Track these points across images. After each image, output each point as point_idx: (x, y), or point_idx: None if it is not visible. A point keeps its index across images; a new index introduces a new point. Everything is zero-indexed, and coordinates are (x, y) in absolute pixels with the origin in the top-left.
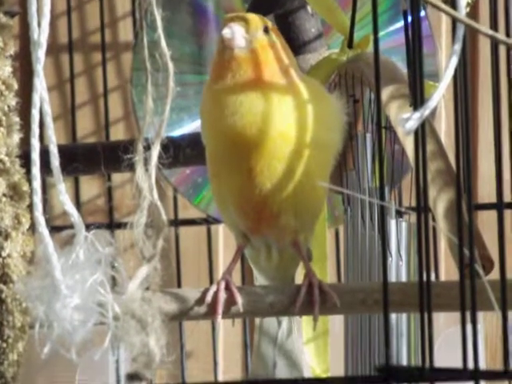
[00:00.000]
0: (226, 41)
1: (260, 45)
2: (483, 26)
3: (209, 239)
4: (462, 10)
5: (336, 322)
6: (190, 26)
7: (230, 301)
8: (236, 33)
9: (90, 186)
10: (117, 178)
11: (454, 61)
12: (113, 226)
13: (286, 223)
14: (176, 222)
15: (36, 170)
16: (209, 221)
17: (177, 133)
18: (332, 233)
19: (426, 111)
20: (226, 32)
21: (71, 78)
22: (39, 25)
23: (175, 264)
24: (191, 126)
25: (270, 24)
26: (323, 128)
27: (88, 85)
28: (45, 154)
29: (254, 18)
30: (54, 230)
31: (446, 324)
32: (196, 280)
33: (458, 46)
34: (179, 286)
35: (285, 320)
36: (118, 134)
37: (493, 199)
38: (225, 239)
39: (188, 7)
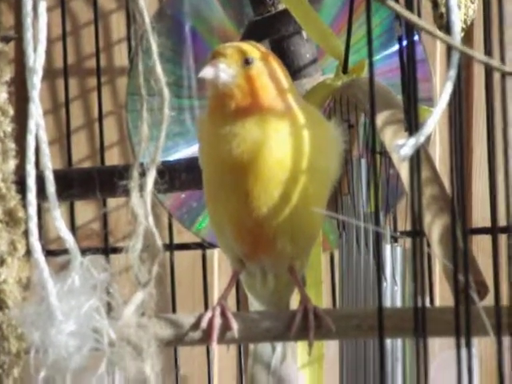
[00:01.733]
0: (209, 80)
1: (246, 76)
2: (477, 50)
3: (204, 264)
4: (457, 37)
5: (331, 347)
6: (169, 45)
7: (225, 326)
8: (218, 71)
9: (85, 210)
10: (112, 202)
11: (449, 87)
12: (108, 250)
13: (282, 248)
14: (171, 247)
15: (32, 196)
16: (204, 245)
17: (173, 157)
18: (327, 257)
19: (420, 138)
20: (206, 72)
21: (66, 103)
22: (35, 51)
23: (170, 288)
24: (187, 150)
25: (254, 53)
26: (320, 154)
27: (83, 109)
28: (40, 179)
29: (233, 52)
30: (50, 254)
31: (440, 348)
32: (191, 304)
33: (453, 72)
34: (174, 310)
35: (279, 345)
36: (113, 158)
37: (487, 222)
38: (220, 264)
39: (167, 24)
